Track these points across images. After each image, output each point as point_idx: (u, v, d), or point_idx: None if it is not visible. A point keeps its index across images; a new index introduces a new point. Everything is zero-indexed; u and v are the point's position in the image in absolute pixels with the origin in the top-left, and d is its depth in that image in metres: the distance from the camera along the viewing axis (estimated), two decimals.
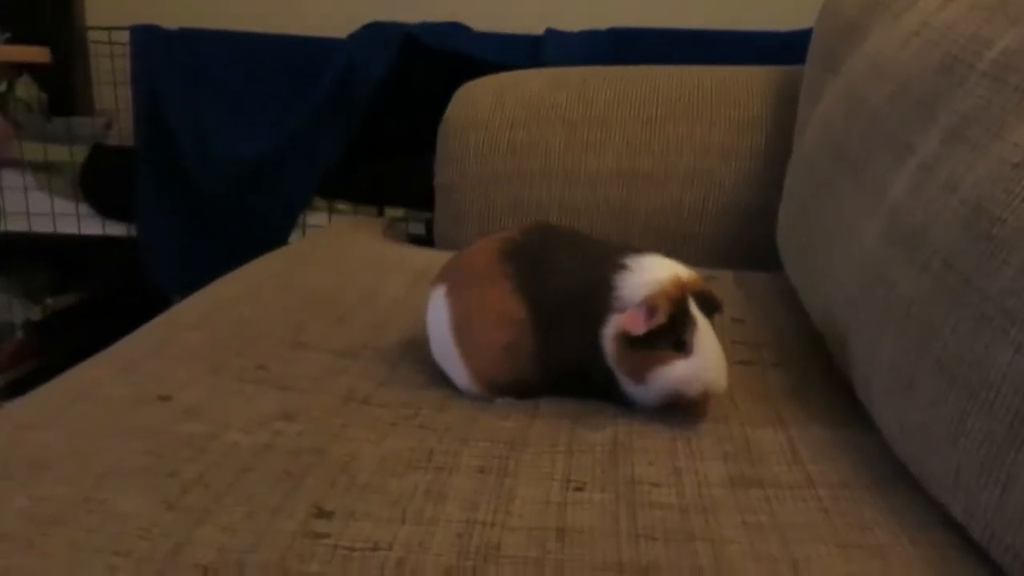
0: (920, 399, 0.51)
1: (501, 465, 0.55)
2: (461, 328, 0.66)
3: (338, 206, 1.59)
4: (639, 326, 0.58)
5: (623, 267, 0.62)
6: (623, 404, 0.63)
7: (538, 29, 1.53)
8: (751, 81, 1.11)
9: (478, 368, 0.65)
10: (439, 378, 0.68)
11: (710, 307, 0.62)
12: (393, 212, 1.56)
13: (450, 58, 1.45)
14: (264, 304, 0.85)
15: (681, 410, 0.61)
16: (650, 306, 0.59)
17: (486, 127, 1.11)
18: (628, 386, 0.62)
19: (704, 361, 0.59)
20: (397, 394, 0.66)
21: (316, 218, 1.58)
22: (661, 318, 0.58)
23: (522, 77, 1.19)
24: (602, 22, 1.53)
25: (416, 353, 0.73)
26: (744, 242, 1.04)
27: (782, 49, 1.31)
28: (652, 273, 0.61)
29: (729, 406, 0.64)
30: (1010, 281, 0.45)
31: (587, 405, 0.64)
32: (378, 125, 1.52)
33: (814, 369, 0.72)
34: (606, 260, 0.63)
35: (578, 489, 0.52)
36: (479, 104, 1.14)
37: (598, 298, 0.62)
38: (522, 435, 0.59)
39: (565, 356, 0.64)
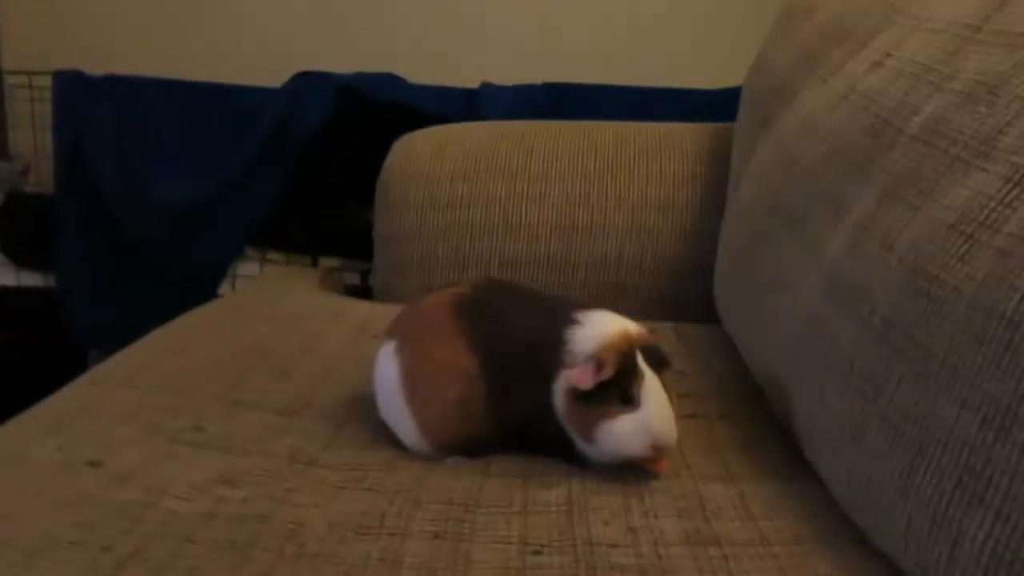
0: (867, 453, 0.52)
1: (456, 529, 0.53)
2: (411, 384, 0.65)
3: (270, 256, 1.56)
4: (587, 381, 0.58)
5: (574, 322, 0.62)
6: (577, 462, 0.62)
7: (473, 82, 1.55)
8: (685, 137, 1.14)
9: (428, 425, 0.64)
10: (386, 437, 0.66)
11: (658, 362, 0.62)
12: (327, 262, 1.54)
13: (386, 108, 1.45)
14: (199, 359, 0.82)
15: (634, 467, 0.61)
16: (598, 361, 0.59)
17: (426, 179, 1.11)
18: (580, 443, 0.62)
19: (651, 414, 0.59)
20: (343, 455, 0.64)
21: (247, 268, 1.54)
22: (608, 372, 0.58)
23: (462, 129, 1.19)
24: (536, 76, 1.56)
25: (361, 410, 0.71)
26: (682, 295, 1.06)
27: (711, 106, 1.36)
28: (601, 328, 0.61)
29: (680, 461, 0.64)
30: (951, 339, 0.47)
31: (538, 463, 0.63)
32: (313, 174, 1.50)
33: (758, 421, 0.73)
34: (557, 315, 0.64)
35: (536, 553, 0.51)
36: (419, 156, 1.14)
37: (549, 353, 0.62)
38: (475, 496, 0.58)
39: (517, 412, 0.63)
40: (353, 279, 1.50)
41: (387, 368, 0.66)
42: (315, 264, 1.53)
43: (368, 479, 0.60)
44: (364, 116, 1.47)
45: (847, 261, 0.61)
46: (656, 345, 0.63)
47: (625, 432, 0.59)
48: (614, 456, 0.60)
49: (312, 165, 1.50)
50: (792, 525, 0.55)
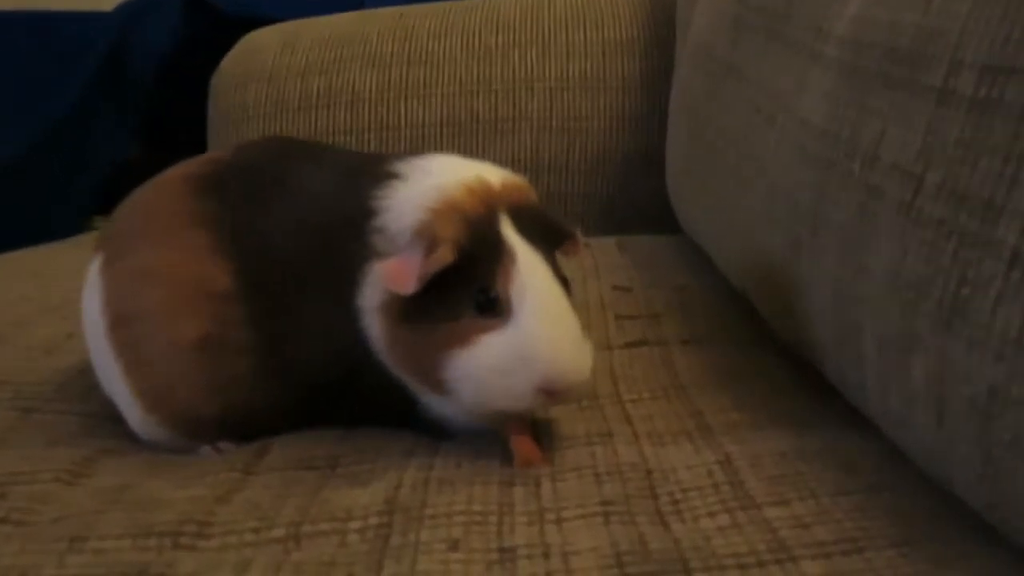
0: (971, 351, 0.25)
1: None
2: (123, 323, 0.36)
3: None
4: (409, 278, 0.30)
5: (390, 177, 0.34)
6: (427, 432, 0.34)
7: None
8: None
9: (155, 390, 0.36)
10: (108, 421, 0.38)
11: (549, 234, 0.34)
12: None
13: (248, 22, 1.15)
14: None
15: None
16: (427, 237, 0.31)
17: (270, 78, 0.82)
18: (420, 394, 0.33)
19: (537, 327, 0.31)
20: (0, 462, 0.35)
21: None
22: (445, 255, 0.30)
23: (321, 20, 0.91)
24: None
25: (85, 385, 0.42)
26: (624, 199, 0.78)
27: None
28: (434, 179, 0.33)
29: (614, 411, 0.36)
30: None
31: (361, 438, 0.35)
32: (166, 114, 1.20)
33: (744, 343, 0.45)
34: (365, 172, 0.35)
35: None
36: (263, 51, 0.85)
37: (350, 238, 0.33)
38: (206, 515, 0.29)
39: (306, 353, 0.35)
40: None
41: (90, 300, 0.38)
42: None
43: (13, 503, 0.31)
44: (223, 35, 1.16)
45: (873, 16, 0.33)
46: (539, 206, 0.34)
47: (488, 366, 0.31)
48: (477, 412, 0.32)
49: (165, 102, 1.19)
50: (827, 510, 0.27)
